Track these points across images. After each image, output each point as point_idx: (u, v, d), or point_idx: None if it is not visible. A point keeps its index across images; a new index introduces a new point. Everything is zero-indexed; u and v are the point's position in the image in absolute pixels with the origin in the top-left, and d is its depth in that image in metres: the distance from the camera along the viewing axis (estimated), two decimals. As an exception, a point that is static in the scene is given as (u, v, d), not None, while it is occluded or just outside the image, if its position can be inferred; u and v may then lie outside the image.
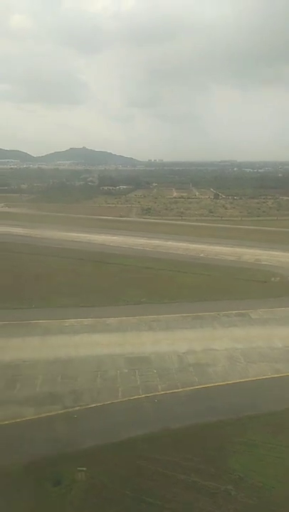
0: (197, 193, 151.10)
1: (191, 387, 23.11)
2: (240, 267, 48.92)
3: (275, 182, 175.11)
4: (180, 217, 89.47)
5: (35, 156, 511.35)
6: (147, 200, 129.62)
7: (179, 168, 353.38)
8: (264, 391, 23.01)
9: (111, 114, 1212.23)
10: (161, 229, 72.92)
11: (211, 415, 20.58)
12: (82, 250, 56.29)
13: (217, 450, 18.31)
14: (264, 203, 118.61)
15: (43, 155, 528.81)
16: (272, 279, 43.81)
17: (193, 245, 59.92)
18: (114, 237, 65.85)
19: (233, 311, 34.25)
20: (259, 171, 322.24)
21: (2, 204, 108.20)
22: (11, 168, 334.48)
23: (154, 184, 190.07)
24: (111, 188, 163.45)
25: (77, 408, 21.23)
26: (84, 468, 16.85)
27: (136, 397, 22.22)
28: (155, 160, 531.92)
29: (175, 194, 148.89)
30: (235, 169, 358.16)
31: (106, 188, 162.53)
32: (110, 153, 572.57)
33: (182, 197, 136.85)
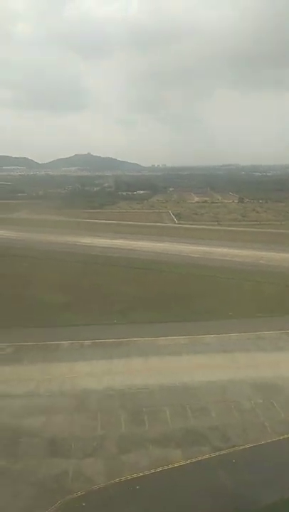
0: (219, 197, 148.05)
1: None
2: None
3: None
4: (216, 223, 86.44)
5: (40, 162, 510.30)
6: (171, 205, 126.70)
7: (186, 173, 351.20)
8: None
9: (114, 119, 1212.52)
10: (203, 235, 69.81)
11: None
12: (136, 258, 53.50)
13: None
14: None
15: (48, 161, 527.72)
16: None
17: (246, 252, 56.72)
18: (160, 244, 62.86)
19: None
20: (268, 174, 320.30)
21: (26, 211, 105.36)
22: (20, 174, 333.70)
23: (171, 189, 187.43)
24: (129, 193, 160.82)
25: (230, 450, 18.15)
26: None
27: (291, 435, 19.11)
28: (158, 165, 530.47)
29: (197, 199, 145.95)
30: (242, 173, 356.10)
31: (124, 193, 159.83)
32: (115, 159, 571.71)
33: (206, 201, 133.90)
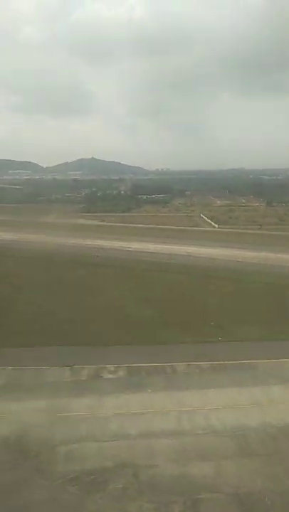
0: (244, 201, 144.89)
1: None
2: None
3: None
4: (258, 227, 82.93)
5: (44, 166, 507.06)
6: (197, 208, 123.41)
7: (194, 177, 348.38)
8: None
9: (118, 123, 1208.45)
10: (258, 240, 66.21)
11: None
12: (202, 266, 49.72)
13: None
14: None
15: (53, 165, 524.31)
16: None
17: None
18: (216, 250, 59.17)
19: None
20: (278, 178, 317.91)
21: (54, 215, 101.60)
22: (26, 178, 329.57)
23: (187, 192, 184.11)
24: (148, 196, 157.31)
25: None
26: None
27: None
28: (162, 169, 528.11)
29: (219, 202, 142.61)
30: (251, 176, 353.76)
31: (144, 197, 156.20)
32: (119, 163, 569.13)
33: (231, 205, 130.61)
